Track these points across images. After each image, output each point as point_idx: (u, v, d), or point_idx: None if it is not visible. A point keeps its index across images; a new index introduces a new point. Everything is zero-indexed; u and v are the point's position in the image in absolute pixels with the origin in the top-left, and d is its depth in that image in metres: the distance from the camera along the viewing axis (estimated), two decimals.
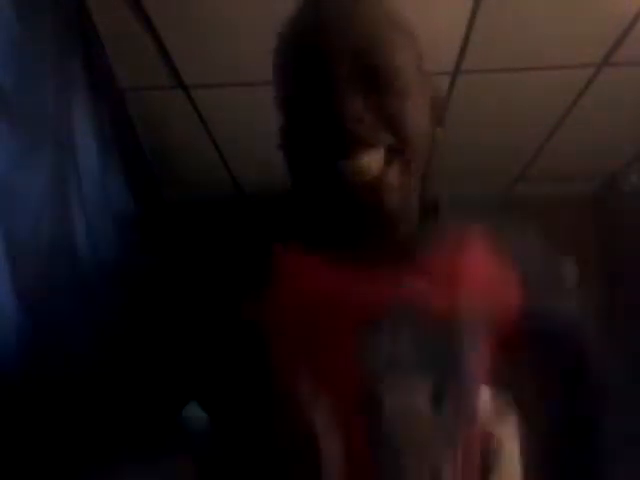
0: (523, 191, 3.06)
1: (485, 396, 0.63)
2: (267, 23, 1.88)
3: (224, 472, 0.68)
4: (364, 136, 0.58)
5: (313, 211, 0.68)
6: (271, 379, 0.60)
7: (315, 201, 0.66)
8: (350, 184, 0.58)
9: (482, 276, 0.63)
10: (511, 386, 0.65)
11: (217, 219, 3.15)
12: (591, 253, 3.06)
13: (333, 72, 0.59)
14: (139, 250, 2.57)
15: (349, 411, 0.56)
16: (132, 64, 2.03)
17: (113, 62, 1.99)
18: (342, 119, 0.57)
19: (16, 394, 1.30)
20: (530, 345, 0.66)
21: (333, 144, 0.59)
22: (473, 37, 1.87)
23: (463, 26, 1.82)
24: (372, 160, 0.58)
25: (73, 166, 1.73)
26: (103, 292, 1.97)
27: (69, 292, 1.68)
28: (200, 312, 0.71)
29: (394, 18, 0.66)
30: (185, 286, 0.74)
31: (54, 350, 1.56)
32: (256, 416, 0.62)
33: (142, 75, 2.10)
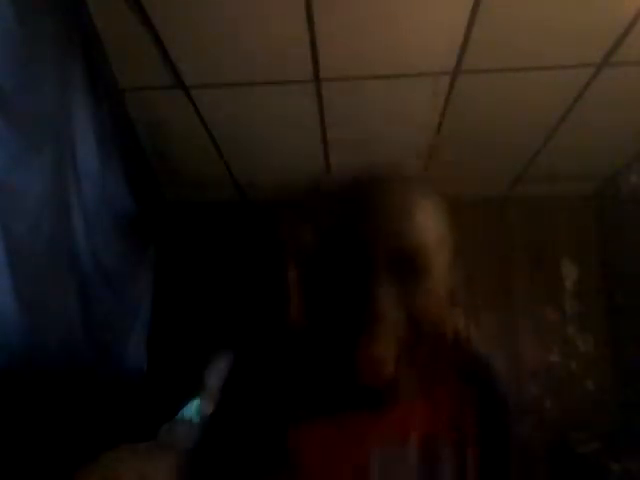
0: (523, 191, 3.06)
1: None
2: (267, 23, 1.89)
3: None
4: (388, 330, 0.65)
5: (322, 381, 0.75)
6: None
7: (326, 375, 0.74)
8: (363, 375, 0.66)
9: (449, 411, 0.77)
10: None
11: (217, 219, 3.16)
12: (591, 253, 3.06)
13: (378, 274, 0.66)
14: (138, 250, 2.57)
15: None
16: (132, 64, 2.03)
17: (113, 62, 1.99)
18: (375, 317, 0.64)
19: (15, 392, 1.30)
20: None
21: (356, 334, 0.65)
22: (473, 37, 1.87)
23: (463, 26, 1.82)
24: (387, 355, 0.65)
25: (73, 166, 1.73)
26: (102, 292, 1.97)
27: (69, 292, 1.68)
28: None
29: (436, 215, 0.72)
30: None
31: (53, 349, 1.56)
32: None
33: (142, 75, 2.10)
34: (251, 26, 1.83)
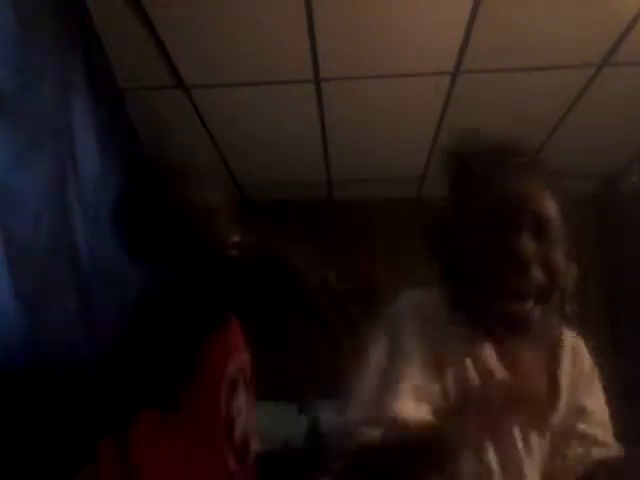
0: None
1: None
2: (267, 23, 1.89)
3: None
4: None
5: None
6: None
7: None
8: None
9: None
10: None
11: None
12: (591, 253, 3.06)
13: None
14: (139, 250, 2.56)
15: None
16: (132, 64, 2.03)
17: (113, 62, 1.99)
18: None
19: (16, 392, 1.30)
20: None
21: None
22: (473, 37, 1.87)
23: (463, 26, 1.83)
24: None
25: (73, 166, 1.73)
26: (102, 292, 1.97)
27: (69, 292, 1.68)
28: None
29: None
30: None
31: (54, 350, 1.56)
32: None
33: (142, 75, 2.10)
34: (251, 26, 1.84)
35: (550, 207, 0.90)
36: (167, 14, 1.79)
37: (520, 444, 0.83)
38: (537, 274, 0.84)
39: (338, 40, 1.89)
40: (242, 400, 1.08)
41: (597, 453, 0.89)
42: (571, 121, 2.37)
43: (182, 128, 2.43)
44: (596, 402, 0.98)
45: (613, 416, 0.97)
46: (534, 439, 0.84)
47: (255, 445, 1.11)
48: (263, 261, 0.86)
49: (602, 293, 3.00)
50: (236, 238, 1.06)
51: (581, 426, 0.91)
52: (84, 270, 1.80)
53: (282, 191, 2.96)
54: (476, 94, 2.19)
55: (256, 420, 1.16)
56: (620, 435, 0.92)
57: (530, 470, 0.82)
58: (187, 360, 0.93)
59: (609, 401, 0.98)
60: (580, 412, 0.92)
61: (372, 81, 2.10)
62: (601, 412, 0.98)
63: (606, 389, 0.98)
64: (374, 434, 0.76)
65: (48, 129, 1.56)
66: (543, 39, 1.88)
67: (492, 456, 0.80)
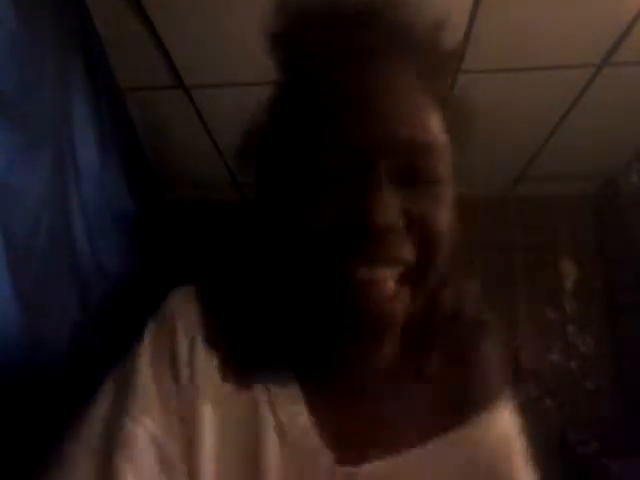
0: (523, 191, 3.06)
1: None
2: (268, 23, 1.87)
3: None
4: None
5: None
6: None
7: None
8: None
9: None
10: None
11: (217, 219, 3.15)
12: (591, 253, 3.06)
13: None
14: (138, 250, 2.57)
15: None
16: (132, 64, 2.03)
17: (113, 62, 1.99)
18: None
19: (15, 393, 1.30)
20: None
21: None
22: (473, 37, 1.87)
23: (462, 26, 1.82)
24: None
25: (73, 166, 1.73)
26: (103, 291, 1.97)
27: (69, 292, 1.68)
28: None
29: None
30: None
31: (54, 350, 1.56)
32: None
33: (142, 75, 2.10)
34: (252, 26, 1.83)
35: (433, 123, 0.53)
36: (167, 14, 1.79)
37: None
38: (403, 247, 0.49)
39: None
40: None
41: None
42: (571, 121, 2.36)
43: (182, 128, 2.43)
44: None
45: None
46: None
47: None
48: None
49: (602, 293, 3.00)
50: None
51: None
52: (84, 270, 1.80)
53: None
54: (476, 94, 2.19)
55: None
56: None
57: None
58: None
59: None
60: None
61: None
62: None
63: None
64: None
65: (48, 129, 1.56)
66: (543, 39, 1.88)
67: None
